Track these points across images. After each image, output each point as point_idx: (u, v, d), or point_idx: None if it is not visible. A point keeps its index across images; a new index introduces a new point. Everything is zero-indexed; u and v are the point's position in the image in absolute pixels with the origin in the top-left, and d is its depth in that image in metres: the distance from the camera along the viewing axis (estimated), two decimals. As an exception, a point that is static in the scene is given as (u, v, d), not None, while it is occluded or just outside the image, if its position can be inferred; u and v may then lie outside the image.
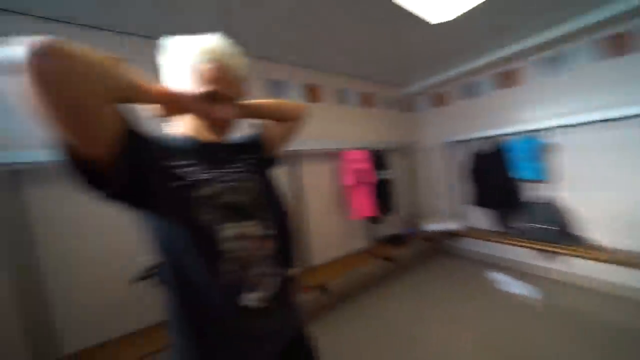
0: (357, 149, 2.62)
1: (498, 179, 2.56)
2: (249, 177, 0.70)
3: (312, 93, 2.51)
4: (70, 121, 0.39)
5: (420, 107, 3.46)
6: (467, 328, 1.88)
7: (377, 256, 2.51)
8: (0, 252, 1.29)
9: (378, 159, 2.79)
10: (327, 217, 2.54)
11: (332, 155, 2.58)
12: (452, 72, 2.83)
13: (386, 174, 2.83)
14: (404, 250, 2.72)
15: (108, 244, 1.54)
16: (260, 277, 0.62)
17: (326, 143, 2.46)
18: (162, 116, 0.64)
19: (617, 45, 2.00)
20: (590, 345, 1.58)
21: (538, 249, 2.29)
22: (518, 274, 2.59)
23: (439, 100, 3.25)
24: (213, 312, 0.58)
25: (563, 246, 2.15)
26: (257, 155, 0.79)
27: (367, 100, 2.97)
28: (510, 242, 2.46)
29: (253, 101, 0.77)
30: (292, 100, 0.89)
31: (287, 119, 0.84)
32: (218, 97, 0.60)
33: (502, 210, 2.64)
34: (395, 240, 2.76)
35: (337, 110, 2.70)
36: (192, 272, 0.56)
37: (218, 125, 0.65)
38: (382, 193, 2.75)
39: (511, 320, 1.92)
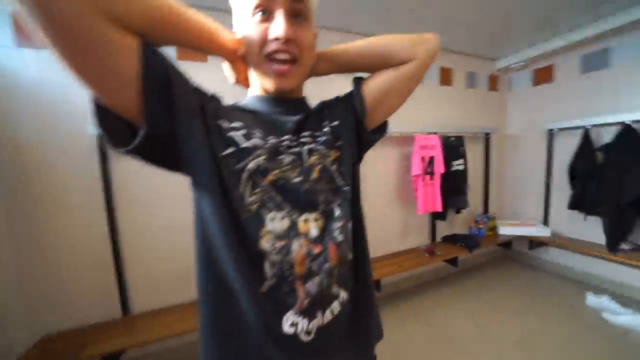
0: (428, 133, 2.27)
1: (627, 178, 1.92)
2: (323, 152, 0.50)
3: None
4: (65, 51, 0.30)
5: (515, 86, 2.83)
6: (548, 357, 1.55)
7: (438, 257, 2.24)
8: (99, 213, 1.45)
9: (451, 146, 2.40)
10: (386, 208, 2.33)
11: (397, 140, 2.29)
12: (571, 37, 2.16)
13: (459, 165, 2.43)
14: (470, 254, 2.37)
15: (179, 214, 1.61)
16: (314, 297, 0.44)
17: (391, 125, 2.17)
18: (235, 79, 0.54)
19: None
20: None
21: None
22: (627, 301, 2.04)
23: (542, 76, 2.58)
24: (244, 332, 0.43)
25: None
26: (347, 123, 0.55)
27: (445, 77, 2.52)
28: (627, 260, 1.92)
29: (336, 46, 0.57)
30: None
31: (399, 63, 0.53)
32: (270, 9, 0.44)
33: (623, 219, 2.03)
34: (461, 241, 2.41)
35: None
36: (224, 272, 0.43)
37: (277, 60, 0.46)
38: (452, 186, 2.39)
39: (607, 356, 1.52)
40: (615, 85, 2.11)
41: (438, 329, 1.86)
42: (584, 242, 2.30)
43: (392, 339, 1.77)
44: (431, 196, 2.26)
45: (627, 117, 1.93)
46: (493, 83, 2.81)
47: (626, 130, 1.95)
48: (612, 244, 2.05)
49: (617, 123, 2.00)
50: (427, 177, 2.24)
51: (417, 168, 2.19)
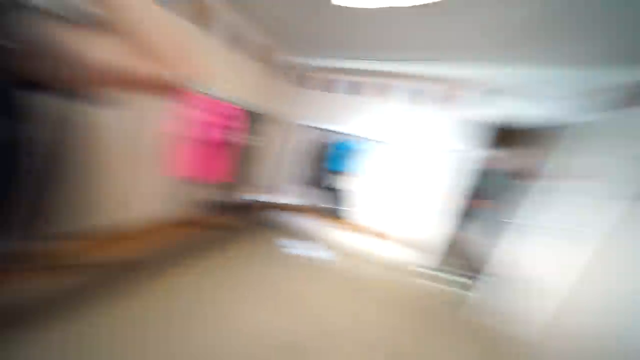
0: (225, 101, 2.15)
1: (317, 164, 3.23)
2: None
3: (200, 12, 1.93)
4: None
5: (310, 86, 3.40)
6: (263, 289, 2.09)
7: (191, 223, 2.29)
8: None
9: (236, 118, 2.46)
10: (138, 170, 1.96)
11: (179, 94, 1.94)
12: (346, 64, 2.94)
13: (236, 137, 2.56)
14: (222, 219, 2.66)
15: None
16: None
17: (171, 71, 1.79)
18: None
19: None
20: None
21: (323, 221, 3.18)
22: (310, 239, 3.23)
23: (328, 85, 3.30)
24: None
25: (337, 220, 3.17)
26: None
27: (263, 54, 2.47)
28: (306, 214, 3.23)
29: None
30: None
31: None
32: None
33: (312, 189, 3.33)
34: (224, 208, 2.65)
35: (212, 45, 2.10)
36: None
37: None
38: (226, 156, 2.49)
39: (302, 273, 2.35)
40: (342, 106, 3.18)
41: (174, 295, 1.79)
42: (296, 205, 3.39)
43: (133, 316, 1.54)
44: (199, 162, 2.21)
45: (334, 128, 3.09)
46: (299, 79, 3.29)
47: (328, 136, 3.16)
48: (306, 205, 3.31)
49: (326, 130, 3.15)
50: (201, 142, 2.13)
51: (190, 130, 2.01)
